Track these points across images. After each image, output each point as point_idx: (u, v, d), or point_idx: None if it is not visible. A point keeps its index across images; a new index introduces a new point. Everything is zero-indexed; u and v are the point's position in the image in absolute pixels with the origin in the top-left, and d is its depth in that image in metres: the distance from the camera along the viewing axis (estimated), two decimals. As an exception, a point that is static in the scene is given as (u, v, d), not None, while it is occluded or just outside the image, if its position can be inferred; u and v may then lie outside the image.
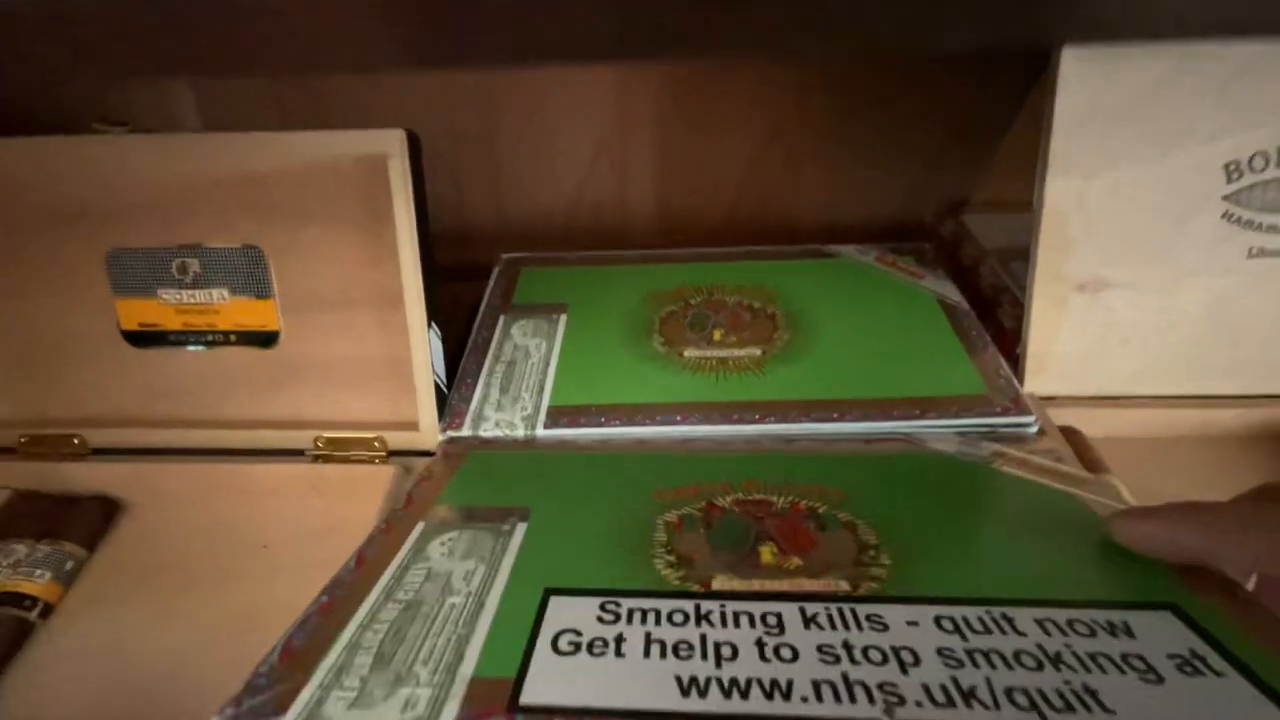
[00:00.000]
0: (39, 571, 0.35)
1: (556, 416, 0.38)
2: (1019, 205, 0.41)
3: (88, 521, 0.39)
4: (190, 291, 0.40)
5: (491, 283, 0.49)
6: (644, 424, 0.37)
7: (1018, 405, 0.37)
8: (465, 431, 0.38)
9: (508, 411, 0.39)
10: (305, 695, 0.17)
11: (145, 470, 0.40)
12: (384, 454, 0.40)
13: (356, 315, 0.40)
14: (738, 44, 0.30)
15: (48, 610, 0.34)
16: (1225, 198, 0.38)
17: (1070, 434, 0.39)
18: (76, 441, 0.41)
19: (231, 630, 0.33)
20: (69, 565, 0.36)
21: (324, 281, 0.40)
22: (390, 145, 0.36)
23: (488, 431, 0.38)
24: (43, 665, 0.32)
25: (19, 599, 0.34)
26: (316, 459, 0.40)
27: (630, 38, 0.28)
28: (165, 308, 0.41)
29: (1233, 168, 0.38)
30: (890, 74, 0.53)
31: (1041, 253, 0.40)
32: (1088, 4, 0.28)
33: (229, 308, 0.41)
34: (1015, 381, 0.39)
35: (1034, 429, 0.36)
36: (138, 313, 0.41)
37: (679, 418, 0.37)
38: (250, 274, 0.40)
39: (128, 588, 0.36)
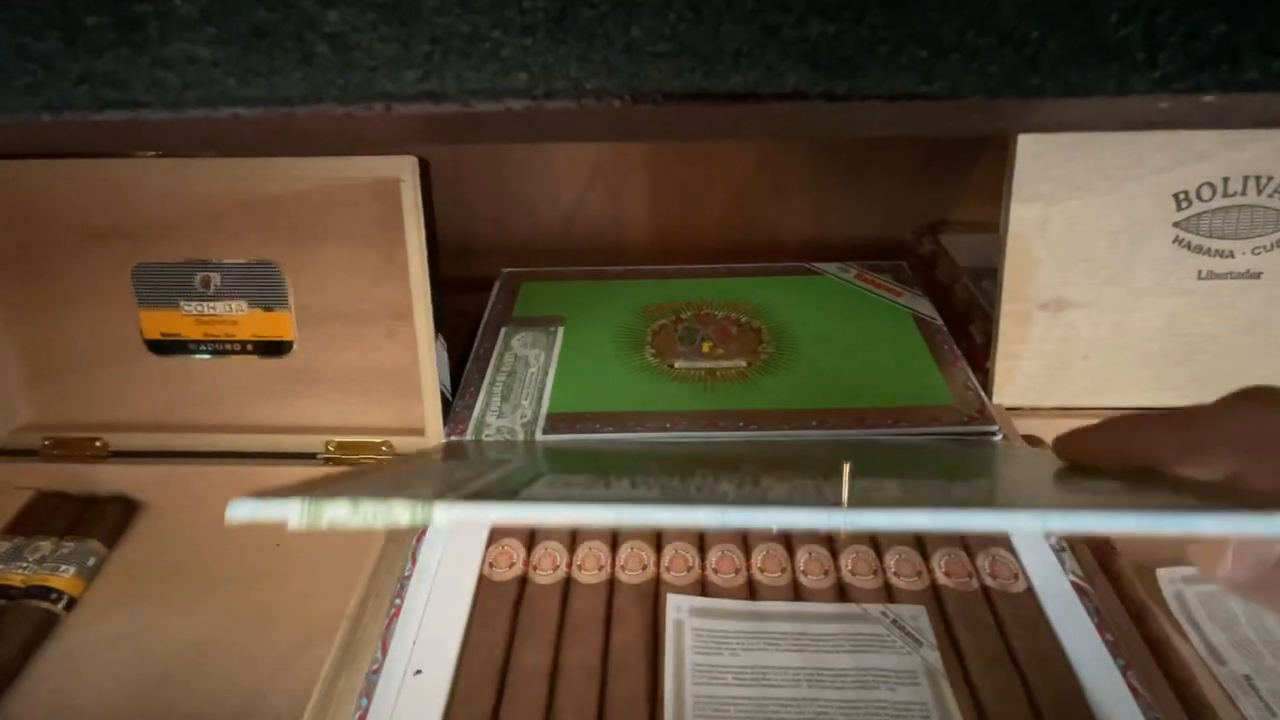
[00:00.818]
0: (64, 567, 0.37)
1: (554, 423, 0.40)
2: (994, 226, 0.43)
3: (109, 520, 0.41)
4: (210, 303, 0.43)
5: (493, 296, 0.52)
6: (636, 430, 0.40)
7: (983, 415, 0.40)
8: (469, 437, 0.40)
9: (508, 418, 0.41)
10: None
11: (164, 472, 0.42)
12: (391, 459, 0.42)
13: (367, 327, 0.43)
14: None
15: (72, 603, 0.36)
16: (1176, 224, 0.41)
17: (1034, 443, 0.41)
18: (98, 444, 0.43)
19: (246, 623, 0.35)
20: (91, 561, 0.38)
21: (337, 295, 0.42)
22: (402, 170, 0.38)
23: (490, 437, 0.40)
24: (67, 654, 0.34)
25: (45, 592, 0.36)
26: (327, 462, 0.42)
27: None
28: (186, 318, 0.43)
29: (1182, 197, 0.41)
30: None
31: (1007, 273, 0.42)
32: (1033, 112, 0.32)
33: (246, 319, 0.43)
34: (982, 393, 0.42)
35: (998, 438, 0.39)
36: (160, 323, 0.43)
37: (668, 425, 0.40)
38: (267, 288, 0.42)
39: (146, 583, 0.38)
